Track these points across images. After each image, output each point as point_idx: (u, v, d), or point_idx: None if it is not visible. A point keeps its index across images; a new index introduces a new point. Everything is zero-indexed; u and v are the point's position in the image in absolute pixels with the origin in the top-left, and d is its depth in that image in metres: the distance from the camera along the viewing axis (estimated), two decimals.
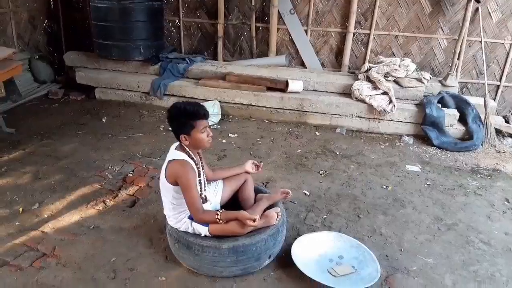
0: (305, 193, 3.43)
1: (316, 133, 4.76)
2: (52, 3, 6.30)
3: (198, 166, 2.41)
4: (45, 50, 6.28)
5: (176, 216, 2.41)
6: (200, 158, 2.51)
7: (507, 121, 5.03)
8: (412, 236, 2.90)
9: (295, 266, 2.40)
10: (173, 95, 5.14)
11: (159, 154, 3.92)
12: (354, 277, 2.41)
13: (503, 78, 5.30)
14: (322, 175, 3.77)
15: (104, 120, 4.82)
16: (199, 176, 2.40)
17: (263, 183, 3.52)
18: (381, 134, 4.76)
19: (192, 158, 2.37)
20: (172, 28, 6.19)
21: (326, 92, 5.11)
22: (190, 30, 6.12)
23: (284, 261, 2.54)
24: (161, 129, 4.61)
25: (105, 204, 3.12)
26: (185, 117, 2.32)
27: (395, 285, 2.42)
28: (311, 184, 3.59)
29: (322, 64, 5.75)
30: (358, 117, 4.83)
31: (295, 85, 4.94)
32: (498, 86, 5.35)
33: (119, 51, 5.37)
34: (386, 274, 2.49)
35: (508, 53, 5.19)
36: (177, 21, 6.10)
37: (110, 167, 3.68)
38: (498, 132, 4.69)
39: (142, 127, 4.67)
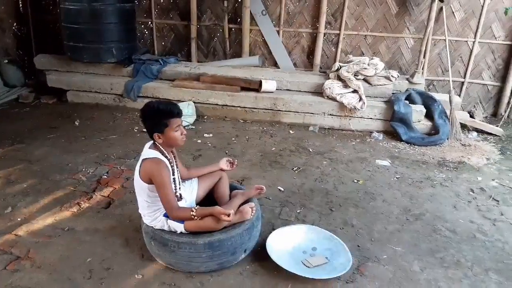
0: (279, 189, 3.50)
1: (290, 131, 4.86)
2: (21, 5, 6.19)
3: (172, 164, 2.45)
4: (14, 53, 6.16)
5: (151, 214, 2.44)
6: (174, 156, 2.54)
7: (471, 116, 5.26)
8: (382, 227, 3.02)
9: (270, 259, 2.46)
10: (147, 97, 5.14)
11: (133, 155, 3.93)
12: (327, 267, 2.50)
13: (467, 75, 5.54)
14: (296, 171, 3.86)
15: (76, 123, 4.77)
16: (173, 174, 2.43)
17: (238, 181, 3.57)
18: (352, 131, 4.89)
19: (166, 157, 2.40)
20: (145, 30, 6.19)
21: (299, 91, 5.21)
22: (163, 32, 6.13)
23: (260, 255, 2.59)
24: (135, 130, 4.61)
25: (80, 206, 3.10)
26: (159, 116, 2.34)
27: (366, 273, 2.52)
28: (286, 180, 3.67)
29: (295, 64, 5.87)
30: (330, 115, 4.95)
31: (268, 85, 5.02)
32: (462, 83, 5.59)
33: (90, 53, 5.32)
34: (357, 263, 2.59)
35: (471, 51, 5.44)
36: (149, 22, 6.10)
37: (83, 169, 3.66)
38: (463, 126, 4.90)
39: (115, 129, 4.65)
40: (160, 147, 2.40)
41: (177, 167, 2.53)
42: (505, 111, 5.45)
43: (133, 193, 2.55)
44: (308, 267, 2.49)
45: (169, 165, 2.39)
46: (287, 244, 2.68)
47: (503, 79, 5.49)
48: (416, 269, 2.59)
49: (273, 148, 4.35)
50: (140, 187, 2.39)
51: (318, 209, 3.23)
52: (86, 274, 2.42)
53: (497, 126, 5.06)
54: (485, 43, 5.41)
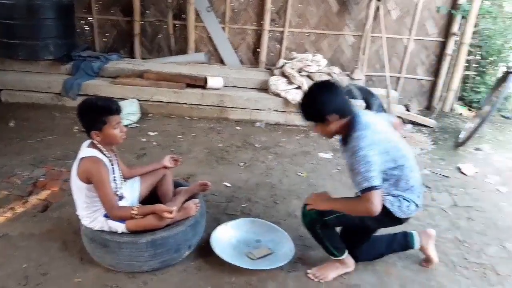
0: (225, 185, 3.53)
1: (237, 127, 4.89)
2: None
3: (112, 162, 2.40)
4: None
5: (90, 215, 2.37)
6: (115, 154, 2.49)
7: (407, 109, 5.57)
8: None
9: (215, 254, 2.48)
10: (87, 95, 4.93)
11: (73, 156, 3.66)
12: (271, 258, 2.56)
13: (403, 71, 5.86)
14: (242, 167, 3.90)
15: (11, 124, 4.51)
16: (113, 173, 2.39)
17: (184, 178, 3.56)
18: (297, 126, 5.02)
19: (105, 155, 2.35)
20: (85, 26, 5.97)
21: (245, 88, 5.27)
22: (104, 28, 5.94)
23: (204, 251, 2.61)
24: (75, 130, 4.44)
25: (14, 210, 2.95)
26: (97, 113, 2.28)
27: (308, 261, 2.61)
28: (232, 176, 3.70)
29: (241, 61, 5.91)
30: (276, 110, 5.04)
31: (214, 82, 5.03)
32: (399, 78, 5.90)
33: (26, 50, 5.07)
34: (300, 252, 2.67)
35: (406, 48, 5.75)
36: (90, 18, 5.88)
37: (19, 172, 3.48)
38: (400, 119, 5.17)
39: (54, 129, 4.45)
40: (99, 145, 2.34)
41: (117, 166, 2.48)
42: (438, 104, 5.81)
43: (72, 195, 2.47)
44: (252, 259, 2.54)
45: (108, 164, 2.34)
46: (231, 238, 2.72)
47: (436, 74, 5.86)
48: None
49: (220, 145, 4.37)
50: (78, 188, 2.32)
51: (263, 202, 3.30)
52: (22, 281, 2.32)
53: (430, 118, 5.39)
54: (419, 40, 5.74)
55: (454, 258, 2.76)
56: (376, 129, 2.15)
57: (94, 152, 2.30)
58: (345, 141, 2.24)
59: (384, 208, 2.17)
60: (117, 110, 2.33)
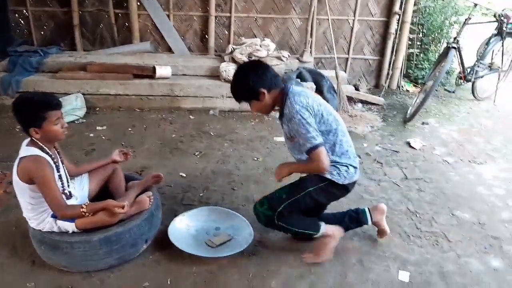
0: (181, 176, 3.47)
1: (190, 116, 4.81)
2: None
3: (55, 160, 2.26)
4: None
5: (37, 217, 2.24)
6: (58, 152, 2.36)
7: (356, 89, 5.70)
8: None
9: (173, 246, 2.44)
10: (28, 92, 4.66)
11: (16, 157, 3.55)
12: (231, 244, 2.55)
13: (350, 51, 5.98)
14: (197, 156, 3.84)
15: None
16: (58, 171, 2.26)
17: (138, 172, 3.46)
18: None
19: (47, 153, 2.21)
20: (20, 19, 5.57)
21: (196, 75, 5.17)
22: (41, 20, 5.58)
23: (162, 243, 2.55)
24: (17, 130, 4.16)
25: None
26: (35, 109, 2.13)
27: (267, 244, 2.63)
28: (187, 166, 3.64)
29: (189, 49, 5.77)
30: (229, 97, 4.97)
31: (163, 71, 4.89)
32: (347, 59, 6.02)
33: None
34: (259, 236, 2.68)
35: (352, 28, 5.86)
36: (24, 11, 5.50)
37: None
38: (350, 99, 5.30)
39: None
40: (39, 143, 2.20)
41: (62, 163, 2.35)
42: (385, 82, 6.00)
43: None
44: (212, 247, 2.52)
45: (51, 162, 2.20)
46: (190, 228, 2.67)
47: (381, 53, 6.03)
48: None
49: (173, 135, 4.27)
50: (21, 189, 2.18)
51: (221, 189, 3.27)
52: None
53: (379, 96, 5.55)
54: (363, 21, 5.86)
55: (407, 229, 2.88)
56: (306, 94, 2.26)
57: (34, 151, 2.16)
58: (281, 113, 2.34)
59: (326, 179, 2.28)
60: (57, 105, 2.20)
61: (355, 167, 2.36)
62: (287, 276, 2.39)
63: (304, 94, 2.23)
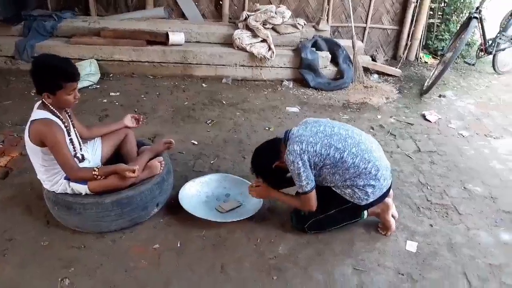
0: (193, 143, 3.49)
1: (203, 84, 4.78)
2: None
3: (66, 124, 2.27)
4: None
5: (50, 178, 2.29)
6: (69, 115, 2.37)
7: (373, 59, 5.57)
8: None
9: (184, 211, 2.48)
10: (50, 55, 4.66)
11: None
12: (241, 210, 2.59)
13: (368, 20, 5.80)
14: (209, 124, 3.85)
15: None
16: (69, 135, 2.27)
17: (150, 138, 3.48)
18: (264, 81, 4.95)
19: (58, 116, 2.22)
20: None
21: (209, 43, 5.10)
22: None
23: (173, 208, 2.60)
24: (32, 94, 4.22)
25: None
26: (53, 76, 2.11)
27: (276, 211, 2.66)
28: (199, 134, 3.65)
29: (203, 15, 5.68)
30: (242, 66, 4.94)
31: (176, 37, 4.83)
32: (364, 28, 5.85)
33: None
34: (268, 203, 2.70)
35: None
36: None
37: None
38: (366, 69, 5.19)
39: (10, 94, 4.21)
40: (50, 106, 2.21)
41: (73, 127, 2.37)
42: (403, 53, 5.84)
43: None
44: (221, 212, 2.56)
45: (62, 125, 2.22)
46: (201, 194, 2.71)
47: (401, 23, 5.84)
48: None
49: (186, 103, 4.27)
50: (33, 151, 2.22)
51: (231, 158, 3.29)
52: None
53: (396, 67, 5.42)
54: None
55: (417, 201, 2.87)
56: (301, 138, 2.25)
57: (45, 114, 2.17)
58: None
59: (349, 202, 2.34)
60: (75, 76, 2.18)
61: (373, 186, 2.27)
62: (294, 242, 2.42)
63: (299, 140, 2.23)
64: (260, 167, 2.43)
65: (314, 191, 2.29)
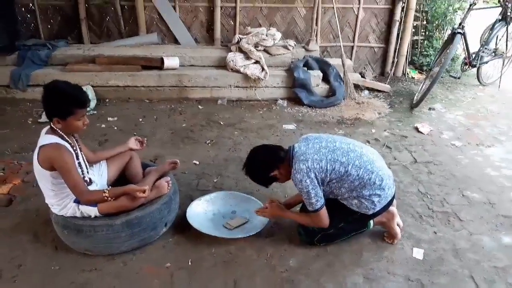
0: (194, 163, 3.53)
1: (199, 106, 4.85)
2: None
3: (74, 148, 2.30)
4: None
5: (59, 203, 2.30)
6: (76, 140, 2.40)
7: (362, 76, 5.74)
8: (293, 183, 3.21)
9: (192, 229, 2.51)
10: (38, 85, 4.70)
11: (31, 148, 3.59)
12: (248, 226, 2.62)
13: (356, 39, 5.99)
14: (209, 144, 3.90)
15: None
16: (77, 158, 2.30)
17: (151, 160, 3.51)
18: (259, 101, 5.05)
19: (67, 141, 2.25)
20: (27, 13, 5.60)
21: (203, 66, 5.21)
22: (47, 14, 5.60)
23: (181, 227, 2.62)
24: (30, 122, 4.23)
25: None
26: (65, 102, 2.15)
27: (283, 225, 2.69)
28: (200, 154, 3.70)
29: (196, 40, 5.80)
30: (236, 87, 5.03)
31: (170, 62, 4.93)
32: (352, 47, 6.04)
33: None
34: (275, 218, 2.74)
35: (357, 16, 5.87)
36: (31, 4, 5.53)
37: None
38: (356, 86, 5.34)
39: (7, 122, 4.21)
40: (59, 131, 2.24)
41: (80, 151, 2.40)
42: (391, 70, 6.03)
43: (37, 186, 2.38)
44: (229, 229, 2.59)
45: (71, 149, 2.25)
46: (207, 212, 2.74)
47: (386, 41, 6.04)
48: None
49: (184, 125, 4.33)
50: (42, 176, 2.23)
51: (234, 176, 3.33)
52: None
53: (385, 83, 5.58)
54: (368, 8, 5.87)
55: (419, 209, 2.94)
56: (306, 156, 2.29)
57: (54, 139, 2.20)
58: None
59: (356, 212, 2.40)
60: (85, 103, 2.23)
61: (379, 195, 2.34)
62: (304, 255, 2.45)
63: (303, 158, 2.28)
64: (255, 173, 2.47)
65: (324, 208, 2.33)
